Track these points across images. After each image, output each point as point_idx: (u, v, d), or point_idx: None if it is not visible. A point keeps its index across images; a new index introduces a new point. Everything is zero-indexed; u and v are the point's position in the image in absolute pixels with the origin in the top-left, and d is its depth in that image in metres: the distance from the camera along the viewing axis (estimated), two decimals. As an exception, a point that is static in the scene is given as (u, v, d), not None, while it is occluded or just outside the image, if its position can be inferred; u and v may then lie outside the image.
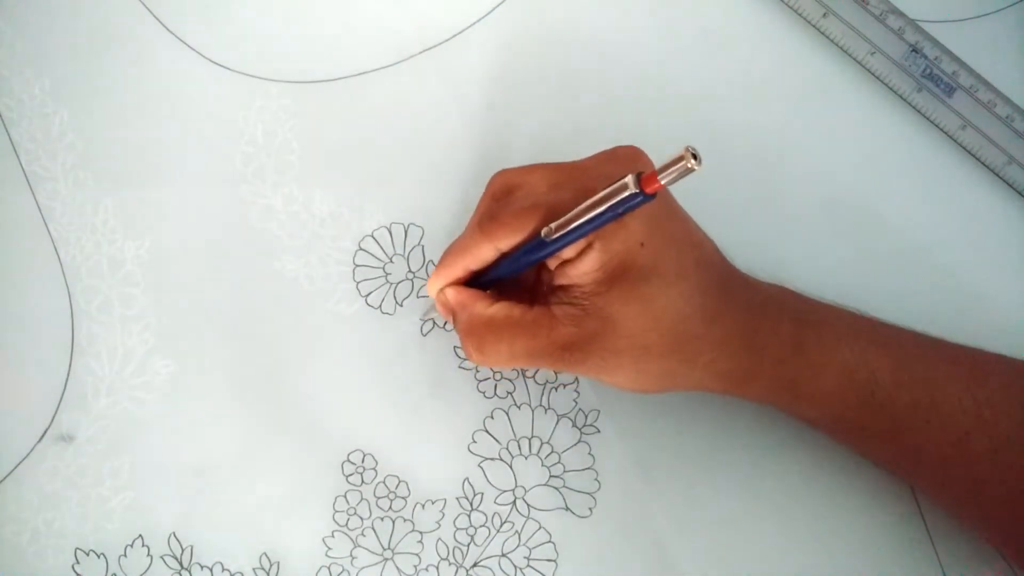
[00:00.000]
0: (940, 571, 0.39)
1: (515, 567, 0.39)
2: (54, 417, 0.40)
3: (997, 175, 0.42)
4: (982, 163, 0.43)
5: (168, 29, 0.43)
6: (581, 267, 0.32)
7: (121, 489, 0.39)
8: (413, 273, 0.41)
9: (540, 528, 0.39)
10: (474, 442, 0.40)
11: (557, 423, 0.40)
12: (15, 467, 0.39)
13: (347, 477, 0.40)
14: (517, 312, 0.34)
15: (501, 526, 0.39)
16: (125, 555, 0.39)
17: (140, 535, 0.39)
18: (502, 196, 0.35)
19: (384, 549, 0.39)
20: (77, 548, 0.39)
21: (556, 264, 0.34)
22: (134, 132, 0.42)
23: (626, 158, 0.34)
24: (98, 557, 0.39)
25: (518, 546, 0.39)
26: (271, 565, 0.39)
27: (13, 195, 0.41)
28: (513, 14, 0.44)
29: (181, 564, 0.39)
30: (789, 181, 0.42)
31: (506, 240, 0.34)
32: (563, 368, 0.34)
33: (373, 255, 0.41)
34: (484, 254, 0.34)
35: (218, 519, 0.39)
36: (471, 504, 0.40)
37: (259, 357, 0.40)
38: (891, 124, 0.43)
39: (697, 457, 0.40)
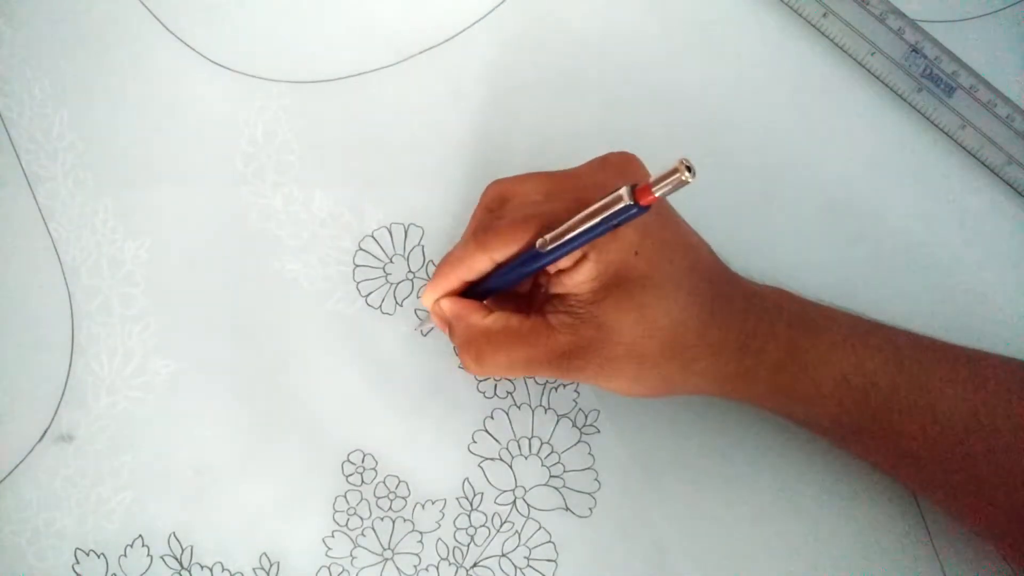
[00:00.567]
0: (940, 571, 0.39)
1: (515, 567, 0.39)
2: (54, 417, 0.40)
3: (997, 175, 0.42)
4: (982, 163, 0.43)
5: (168, 29, 0.43)
6: (576, 277, 0.33)
7: (121, 489, 0.39)
8: (413, 273, 0.41)
9: (540, 528, 0.39)
10: (474, 442, 0.40)
11: (557, 423, 0.40)
12: (15, 467, 0.39)
13: (347, 477, 0.40)
14: (514, 322, 0.34)
15: (501, 526, 0.39)
16: (125, 555, 0.39)
17: (140, 535, 0.39)
18: (496, 207, 0.36)
19: (384, 549, 0.39)
20: (77, 548, 0.39)
21: (552, 272, 0.34)
22: (134, 132, 0.42)
23: (618, 165, 0.34)
24: (98, 557, 0.39)
25: (518, 546, 0.39)
26: (271, 565, 0.39)
27: (13, 195, 0.41)
28: (513, 14, 0.44)
29: (181, 564, 0.39)
30: (789, 181, 0.42)
31: (501, 251, 0.34)
32: (561, 376, 0.34)
33: (373, 255, 0.41)
34: (479, 265, 0.34)
35: (218, 519, 0.39)
36: (471, 504, 0.40)
37: (259, 357, 0.40)
38: (891, 124, 0.43)
39: (697, 457, 0.40)
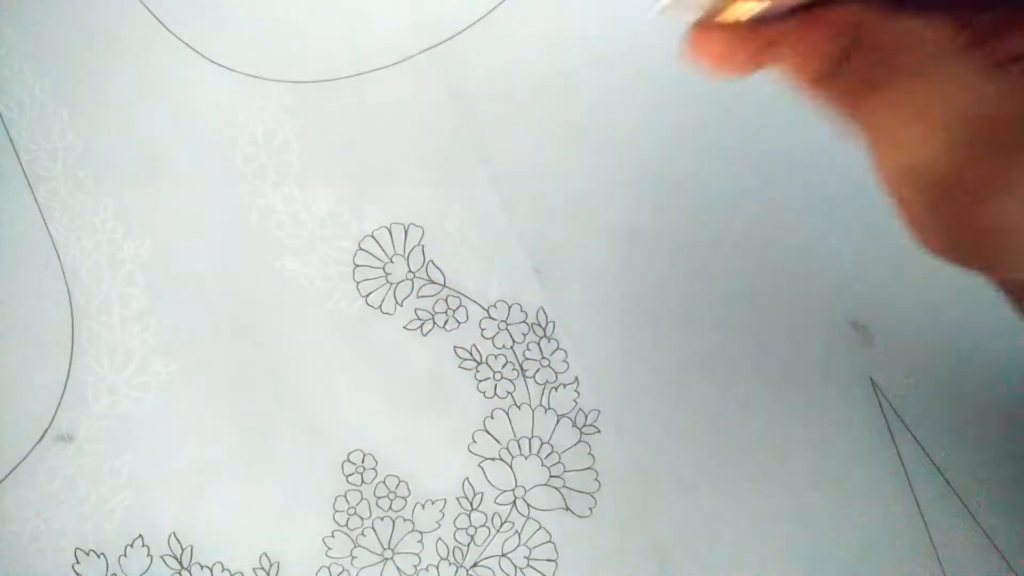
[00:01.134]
0: (940, 571, 0.39)
1: (515, 567, 0.39)
2: (54, 417, 0.40)
3: (997, 175, 0.42)
4: (982, 163, 0.42)
5: (168, 29, 0.43)
6: None
7: (121, 489, 0.39)
8: (413, 273, 0.41)
9: (540, 528, 0.39)
10: (474, 442, 0.40)
11: (557, 423, 0.40)
12: (15, 467, 0.39)
13: (347, 477, 0.40)
14: None
15: (501, 526, 0.39)
16: (125, 555, 0.39)
17: (140, 535, 0.39)
18: None
19: (384, 549, 0.39)
20: (77, 548, 0.39)
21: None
22: (134, 132, 0.42)
23: None
24: (98, 557, 0.39)
25: (518, 546, 0.39)
26: (271, 565, 0.39)
27: (13, 195, 0.41)
28: (513, 14, 0.44)
29: (181, 564, 0.39)
30: (789, 181, 0.42)
31: None
32: None
33: (373, 255, 0.41)
34: None
35: (218, 519, 0.39)
36: (471, 504, 0.40)
37: (259, 357, 0.40)
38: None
39: (697, 457, 0.40)
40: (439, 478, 0.40)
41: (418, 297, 0.41)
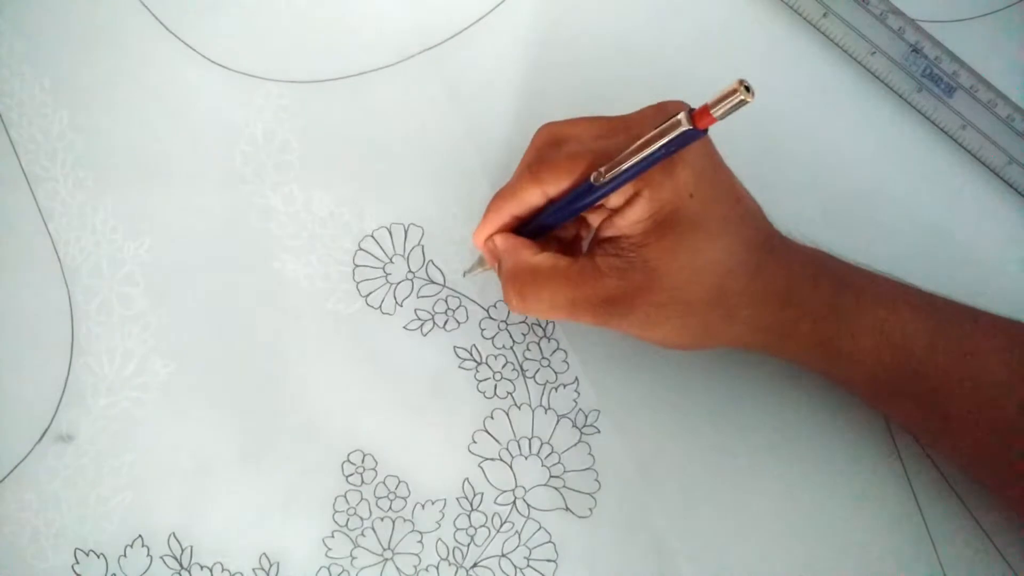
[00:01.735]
0: (940, 571, 0.39)
1: (515, 567, 0.39)
2: (54, 417, 0.40)
3: (997, 175, 0.42)
4: (982, 163, 0.43)
5: (168, 29, 0.43)
6: (630, 216, 0.33)
7: (121, 489, 0.39)
8: (413, 273, 0.41)
9: (540, 528, 0.39)
10: (474, 442, 0.40)
11: (557, 423, 0.40)
12: (15, 467, 0.39)
13: (347, 477, 0.40)
14: (563, 262, 0.34)
15: (501, 526, 0.39)
16: (125, 555, 0.39)
17: (140, 535, 0.39)
18: (548, 147, 0.36)
19: (384, 549, 0.39)
20: (77, 548, 0.39)
21: (602, 218, 0.34)
22: (134, 132, 0.42)
23: (675, 113, 0.34)
24: (98, 557, 0.39)
25: (518, 546, 0.39)
26: (271, 565, 0.39)
27: (13, 195, 0.41)
28: (512, 14, 0.44)
29: (181, 564, 0.39)
30: (788, 181, 0.42)
31: (555, 185, 0.34)
32: (604, 322, 0.34)
33: (373, 255, 0.41)
34: (532, 199, 0.35)
35: (218, 519, 0.39)
36: (471, 504, 0.40)
37: (259, 357, 0.40)
38: (891, 124, 0.43)
39: (697, 457, 0.40)
40: (439, 478, 0.40)
41: (418, 297, 0.41)
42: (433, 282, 0.41)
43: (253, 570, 0.39)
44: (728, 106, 0.27)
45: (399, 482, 0.40)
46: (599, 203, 0.33)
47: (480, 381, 0.41)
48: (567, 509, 0.40)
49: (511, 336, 0.41)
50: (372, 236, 0.42)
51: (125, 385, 0.40)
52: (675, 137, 0.29)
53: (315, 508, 0.39)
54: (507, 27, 0.43)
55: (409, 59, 0.43)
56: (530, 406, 0.40)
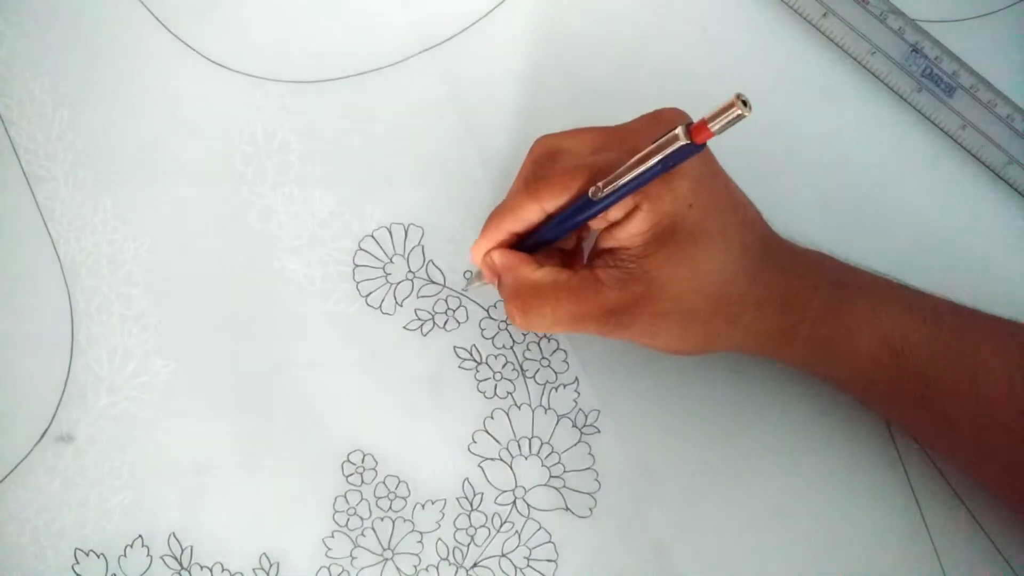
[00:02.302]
0: (940, 571, 0.39)
1: (515, 567, 0.39)
2: (54, 417, 0.40)
3: (997, 175, 0.42)
4: (982, 163, 0.43)
5: (168, 29, 0.43)
6: (630, 228, 0.33)
7: (121, 489, 0.39)
8: (413, 273, 0.41)
9: (540, 528, 0.39)
10: (474, 442, 0.40)
11: (557, 423, 0.40)
12: (15, 467, 0.39)
13: (347, 477, 0.40)
14: (563, 276, 0.34)
15: (501, 526, 0.39)
16: (125, 555, 0.39)
17: (140, 535, 0.39)
18: (545, 161, 0.36)
19: (384, 549, 0.39)
20: (77, 548, 0.39)
21: (602, 228, 0.34)
22: (134, 132, 0.42)
23: (672, 120, 0.34)
24: (98, 557, 0.39)
25: (518, 546, 0.39)
26: (271, 565, 0.39)
27: (13, 195, 0.41)
28: (512, 14, 0.44)
29: (181, 564, 0.39)
30: (788, 181, 0.42)
31: (552, 201, 0.34)
32: (607, 333, 0.34)
33: (373, 255, 0.41)
34: (529, 216, 0.35)
35: (218, 519, 0.39)
36: (471, 504, 0.40)
37: (259, 357, 0.40)
38: (891, 124, 0.43)
39: (697, 457, 0.40)
40: (439, 478, 0.40)
41: (418, 297, 0.41)
42: (433, 282, 0.41)
43: (253, 570, 0.39)
44: (725, 121, 0.27)
45: (399, 482, 0.40)
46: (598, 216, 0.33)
47: (480, 381, 0.41)
48: (567, 509, 0.40)
49: (511, 336, 0.41)
50: (372, 236, 0.42)
51: (125, 385, 0.40)
52: (673, 152, 0.29)
53: (315, 508, 0.39)
54: (507, 27, 0.43)
55: (409, 59, 0.43)
56: (530, 406, 0.40)
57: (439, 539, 0.39)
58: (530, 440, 0.40)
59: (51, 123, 0.42)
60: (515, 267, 0.35)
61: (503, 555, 0.39)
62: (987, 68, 0.42)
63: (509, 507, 0.40)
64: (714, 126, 0.27)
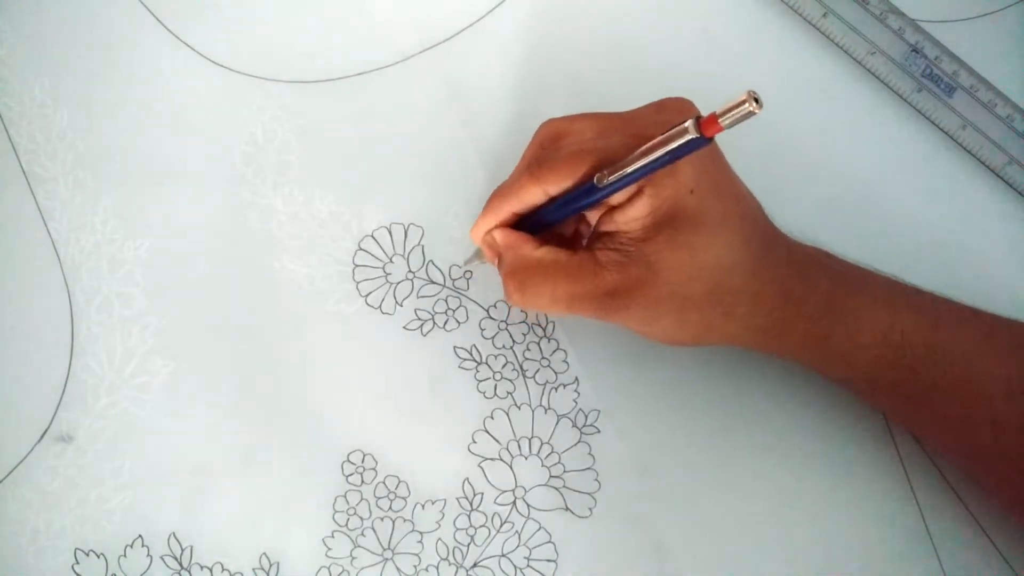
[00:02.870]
0: (940, 571, 0.39)
1: (515, 567, 0.39)
2: (54, 417, 0.40)
3: (997, 175, 0.42)
4: (982, 163, 0.43)
5: (168, 29, 0.43)
6: (631, 212, 0.33)
7: (121, 489, 0.39)
8: (413, 273, 0.41)
9: (540, 528, 0.39)
10: (474, 442, 0.40)
11: (557, 423, 0.40)
12: (15, 467, 0.39)
13: (347, 477, 0.40)
14: (563, 256, 0.34)
15: (501, 526, 0.39)
16: (125, 555, 0.39)
17: (140, 535, 0.39)
18: (550, 143, 0.36)
19: (384, 549, 0.39)
20: (77, 548, 0.39)
21: (602, 212, 0.34)
22: (134, 132, 0.42)
23: (676, 109, 0.34)
24: (98, 557, 0.39)
25: (518, 546, 0.39)
26: (271, 565, 0.39)
27: (13, 195, 0.41)
28: (512, 14, 0.44)
29: (181, 564, 0.39)
30: (788, 181, 0.42)
31: (555, 184, 0.34)
32: (603, 316, 0.34)
33: (373, 255, 0.41)
34: (531, 197, 0.35)
35: (218, 519, 0.39)
36: (471, 504, 0.40)
37: (259, 357, 0.40)
38: (891, 124, 0.43)
39: (697, 457, 0.40)
40: (439, 478, 0.40)
41: (418, 297, 0.41)
42: (433, 282, 0.41)
43: (253, 570, 0.39)
44: (736, 116, 0.27)
45: (399, 482, 0.40)
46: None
47: (480, 381, 0.41)
48: (567, 509, 0.40)
49: (511, 336, 0.41)
50: (372, 236, 0.42)
51: (125, 385, 0.40)
52: (682, 144, 0.29)
53: (315, 508, 0.39)
54: (507, 27, 0.43)
55: (409, 59, 0.43)
56: (530, 406, 0.40)
57: (439, 539, 0.39)
58: (530, 440, 0.40)
59: (51, 123, 0.42)
60: (516, 245, 0.35)
61: (503, 555, 0.39)
62: (987, 68, 0.42)
63: (509, 507, 0.40)
64: (724, 121, 0.28)
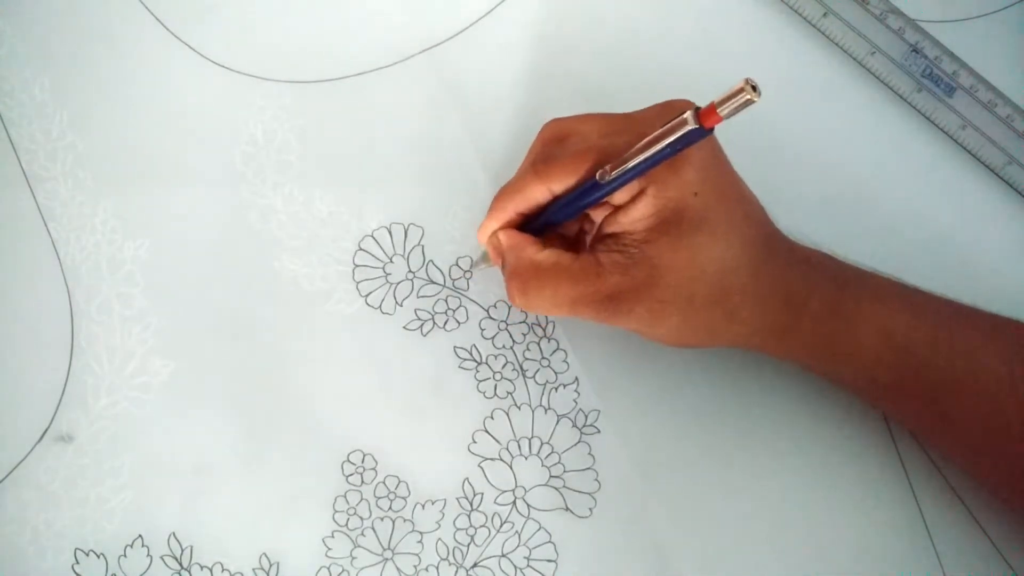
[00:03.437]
0: (940, 571, 0.39)
1: (515, 567, 0.39)
2: (54, 417, 0.40)
3: (997, 175, 0.42)
4: (982, 163, 0.43)
5: (168, 29, 0.43)
6: (634, 213, 0.33)
7: (121, 489, 0.39)
8: (413, 273, 0.41)
9: (540, 528, 0.39)
10: (474, 442, 0.40)
11: (557, 423, 0.40)
12: (15, 467, 0.39)
13: (347, 477, 0.40)
14: (566, 259, 0.34)
15: (501, 526, 0.39)
16: (125, 555, 0.39)
17: (140, 535, 0.39)
18: (554, 143, 0.36)
19: (384, 549, 0.39)
20: (77, 548, 0.39)
21: (605, 214, 0.34)
22: (134, 132, 0.42)
23: (682, 111, 0.34)
24: (98, 557, 0.39)
25: (518, 546, 0.39)
26: (271, 565, 0.39)
27: (13, 195, 0.41)
28: (512, 14, 0.44)
29: (181, 564, 0.39)
30: (789, 181, 0.42)
31: (560, 182, 0.34)
32: (605, 319, 0.34)
33: (373, 255, 0.41)
34: (536, 196, 0.35)
35: (218, 519, 0.39)
36: (471, 504, 0.40)
37: (259, 357, 0.40)
38: (891, 124, 0.43)
39: (697, 458, 0.40)
40: (439, 478, 0.40)
41: (418, 297, 0.41)
42: (433, 282, 0.41)
43: (253, 570, 0.39)
44: (735, 105, 0.27)
45: (399, 482, 0.40)
46: (604, 199, 0.33)
47: (480, 381, 0.41)
48: (567, 509, 0.40)
49: (511, 336, 0.41)
50: (372, 236, 0.42)
51: (125, 385, 0.40)
52: (681, 136, 0.29)
53: (315, 508, 0.39)
54: (507, 27, 0.43)
55: (409, 59, 0.43)
56: (530, 406, 0.40)
57: (439, 539, 0.39)
58: (530, 440, 0.40)
59: (51, 123, 0.42)
60: (519, 247, 0.35)
61: (503, 555, 0.39)
62: (987, 68, 0.42)
63: (509, 507, 0.40)
64: (723, 110, 0.28)
